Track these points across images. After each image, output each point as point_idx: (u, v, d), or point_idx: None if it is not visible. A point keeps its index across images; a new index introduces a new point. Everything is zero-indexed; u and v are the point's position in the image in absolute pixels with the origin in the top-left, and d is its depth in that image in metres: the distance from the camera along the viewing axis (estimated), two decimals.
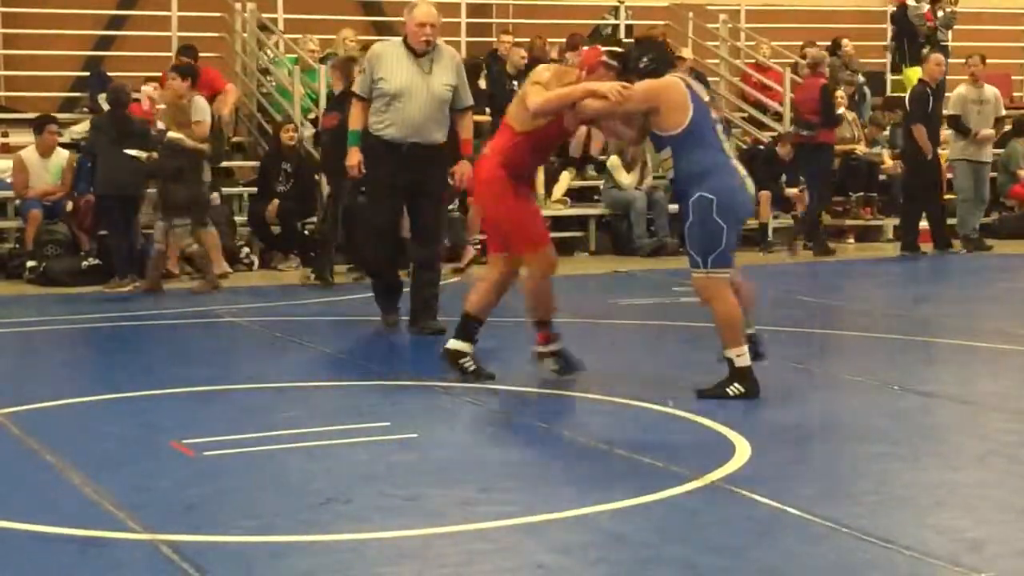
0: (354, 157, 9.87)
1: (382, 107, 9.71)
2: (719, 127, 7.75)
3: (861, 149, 17.62)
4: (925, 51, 18.19)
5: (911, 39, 19.26)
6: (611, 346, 10.00)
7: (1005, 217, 17.81)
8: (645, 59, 7.75)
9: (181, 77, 12.96)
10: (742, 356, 7.60)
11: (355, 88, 10.13)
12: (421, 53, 9.73)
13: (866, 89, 19.16)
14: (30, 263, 13.67)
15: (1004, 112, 16.87)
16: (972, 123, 16.04)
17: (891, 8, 21.19)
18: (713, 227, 7.49)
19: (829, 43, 19.19)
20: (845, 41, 19.20)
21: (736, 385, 7.57)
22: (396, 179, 9.75)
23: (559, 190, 16.38)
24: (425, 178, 9.79)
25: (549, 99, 7.74)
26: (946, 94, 16.60)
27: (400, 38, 9.99)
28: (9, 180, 14.50)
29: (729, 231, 7.52)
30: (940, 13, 19.64)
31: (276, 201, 14.47)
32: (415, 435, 6.80)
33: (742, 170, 7.76)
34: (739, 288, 7.80)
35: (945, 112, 16.12)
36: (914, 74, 17.21)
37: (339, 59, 14.15)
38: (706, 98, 7.75)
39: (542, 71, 8.07)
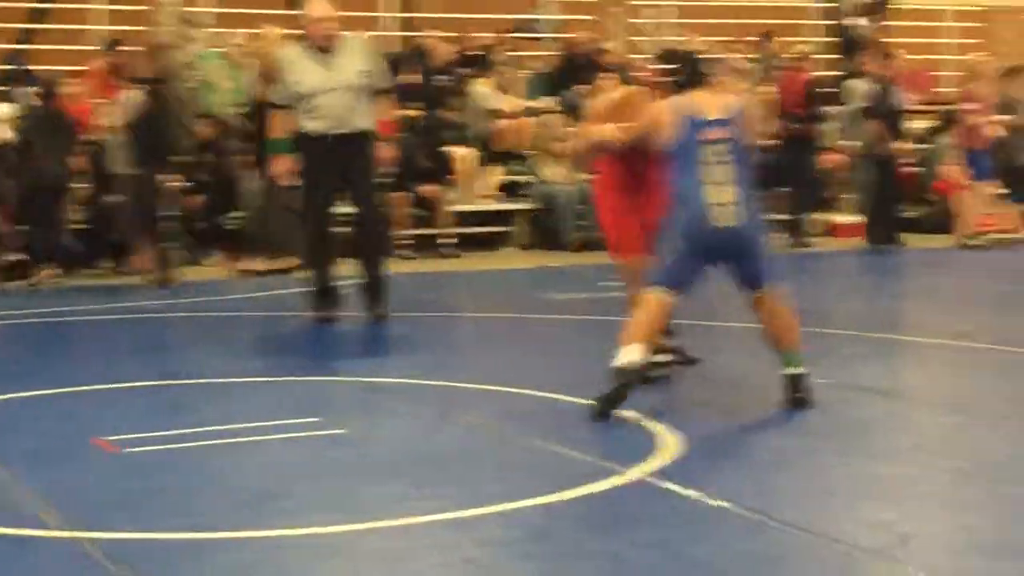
0: (282, 165, 10.28)
1: (304, 106, 10.00)
2: (717, 149, 7.18)
3: None
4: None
5: (851, 51, 19.33)
6: (539, 341, 10.00)
7: (931, 211, 17.93)
8: (673, 76, 7.54)
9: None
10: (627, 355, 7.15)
11: (272, 98, 10.43)
12: (325, 48, 10.02)
13: None
14: None
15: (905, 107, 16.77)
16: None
17: (814, 3, 21.36)
18: (672, 245, 7.28)
19: (758, 37, 19.29)
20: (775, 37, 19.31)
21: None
22: (324, 171, 9.97)
23: (487, 184, 16.36)
24: (355, 167, 10.01)
25: (577, 148, 8.33)
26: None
27: (302, 38, 10.40)
28: None
29: (686, 256, 7.20)
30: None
31: (199, 197, 14.34)
32: (345, 431, 6.77)
33: (715, 197, 7.13)
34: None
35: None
36: (857, 85, 17.29)
37: (151, 45, 14.09)
38: (725, 115, 7.25)
39: (600, 103, 8.29)
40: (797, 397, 7.30)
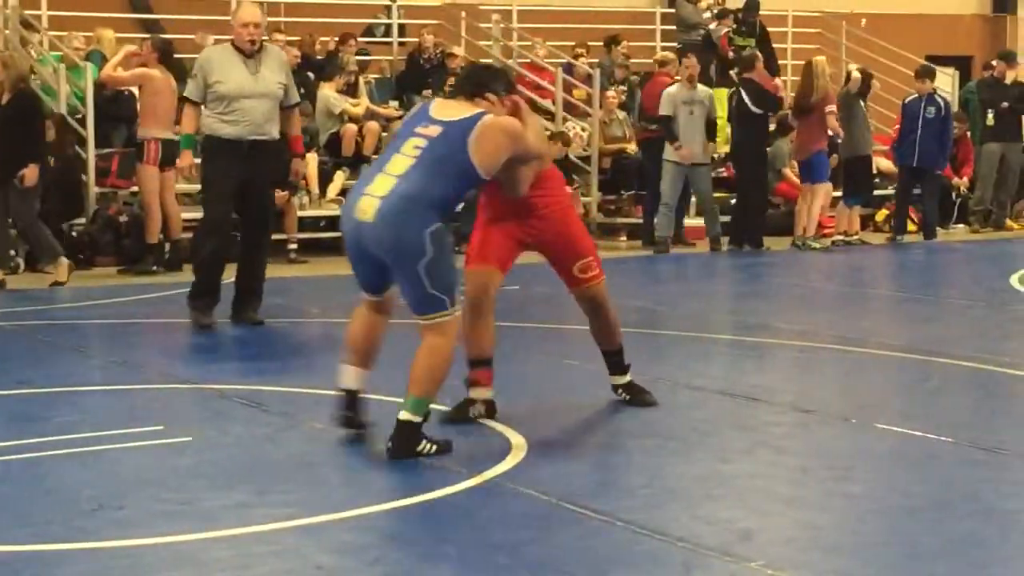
0: (186, 159, 10.47)
1: (221, 109, 10.00)
2: (405, 142, 6.47)
3: (632, 148, 17.89)
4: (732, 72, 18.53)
5: (720, 62, 19.50)
6: (389, 346, 9.97)
7: (772, 215, 18.21)
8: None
9: None
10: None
11: (187, 93, 10.33)
12: (249, 54, 10.03)
13: (637, 89, 19.44)
14: None
15: (718, 114, 16.82)
16: (682, 124, 15.99)
17: (660, 10, 21.61)
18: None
19: (602, 43, 19.46)
20: (623, 42, 19.48)
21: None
22: (233, 175, 9.99)
23: (333, 189, 16.29)
24: (262, 172, 10.15)
25: None
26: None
27: (228, 41, 10.31)
28: None
29: (348, 256, 6.56)
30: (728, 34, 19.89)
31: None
32: (189, 439, 6.71)
33: (375, 189, 6.33)
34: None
35: (660, 113, 16.21)
36: (722, 94, 17.46)
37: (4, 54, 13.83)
38: (447, 119, 6.48)
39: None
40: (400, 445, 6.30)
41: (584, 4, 21.31)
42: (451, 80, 17.49)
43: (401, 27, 19.89)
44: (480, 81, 6.80)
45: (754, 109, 16.20)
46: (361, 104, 16.77)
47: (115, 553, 5.07)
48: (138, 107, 14.35)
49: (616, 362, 7.66)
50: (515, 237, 7.27)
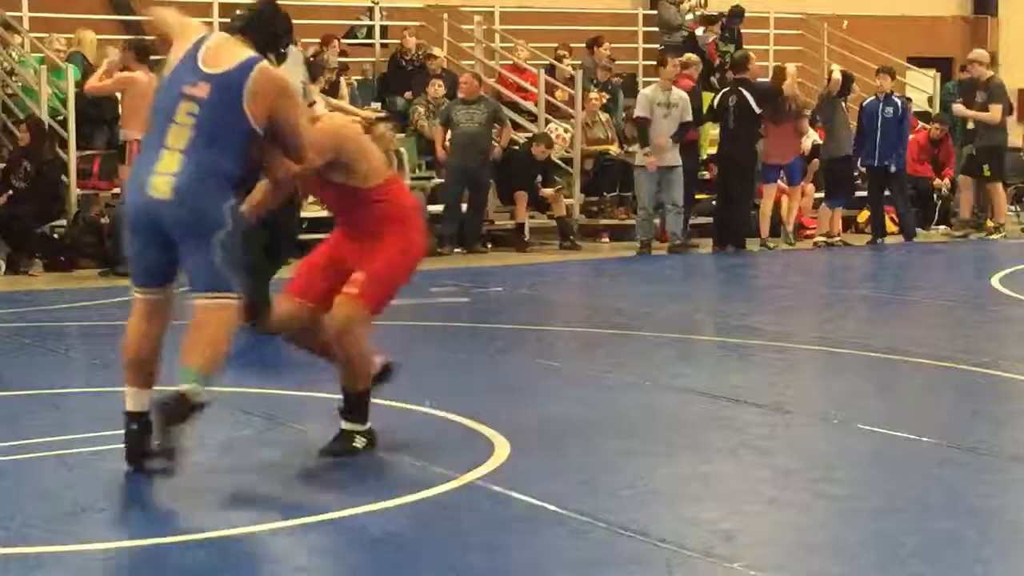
0: None
1: None
2: (176, 107, 5.85)
3: (614, 149, 17.90)
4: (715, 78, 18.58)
5: (706, 67, 19.53)
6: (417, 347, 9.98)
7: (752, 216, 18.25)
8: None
9: None
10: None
11: None
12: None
13: (619, 90, 19.46)
14: None
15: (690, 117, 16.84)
16: (657, 126, 16.00)
17: (642, 11, 21.63)
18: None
19: (584, 45, 19.46)
20: (605, 43, 19.49)
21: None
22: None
23: None
24: None
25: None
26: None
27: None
28: None
29: (129, 241, 6.01)
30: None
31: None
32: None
33: (165, 166, 5.81)
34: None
35: (636, 114, 16.24)
36: (708, 97, 17.45)
37: None
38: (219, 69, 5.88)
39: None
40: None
41: (566, 6, 21.31)
42: (433, 83, 17.53)
43: (383, 29, 19.88)
44: (273, 30, 6.20)
45: (756, 108, 16.26)
46: (343, 106, 16.77)
47: (95, 555, 5.07)
48: (120, 109, 14.33)
49: (355, 405, 6.48)
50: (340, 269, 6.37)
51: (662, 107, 15.88)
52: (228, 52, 5.88)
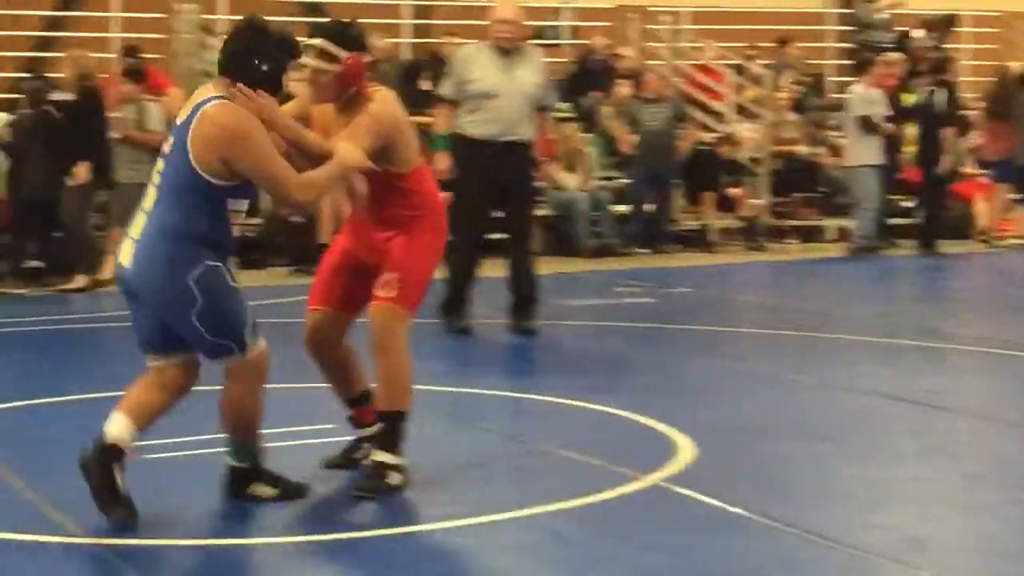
0: (442, 161, 9.99)
1: (474, 107, 9.77)
2: (156, 167, 5.37)
3: (803, 150, 17.71)
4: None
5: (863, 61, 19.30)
6: (555, 347, 10.01)
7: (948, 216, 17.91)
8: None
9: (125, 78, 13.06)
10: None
11: (441, 91, 10.16)
12: (505, 52, 9.84)
13: (808, 90, 19.25)
14: None
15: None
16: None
17: (831, 10, 21.36)
18: None
19: (773, 45, 19.29)
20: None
21: None
22: (484, 178, 9.75)
23: None
24: (515, 175, 9.82)
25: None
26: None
27: (486, 41, 10.12)
28: None
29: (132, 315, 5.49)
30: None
31: None
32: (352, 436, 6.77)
33: (133, 229, 5.32)
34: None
35: (857, 114, 16.01)
36: (910, 97, 17.25)
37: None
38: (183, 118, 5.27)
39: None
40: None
41: (755, 5, 21.11)
42: (620, 83, 17.51)
43: (571, 30, 19.90)
44: (248, 55, 5.28)
45: (956, 109, 16.08)
46: None
47: (284, 549, 5.16)
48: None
49: (389, 431, 5.87)
50: (362, 275, 5.92)
51: (871, 105, 15.79)
52: (192, 100, 5.26)
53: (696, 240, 16.56)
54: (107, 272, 12.91)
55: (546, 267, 15.00)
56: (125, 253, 5.26)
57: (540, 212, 16.43)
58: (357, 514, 5.56)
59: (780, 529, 5.28)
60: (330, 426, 6.59)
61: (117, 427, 5.36)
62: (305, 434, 6.73)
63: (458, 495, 5.80)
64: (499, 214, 10.18)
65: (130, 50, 15.25)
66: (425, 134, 15.38)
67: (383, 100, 5.75)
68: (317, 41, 5.65)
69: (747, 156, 17.37)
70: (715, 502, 5.62)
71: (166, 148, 5.25)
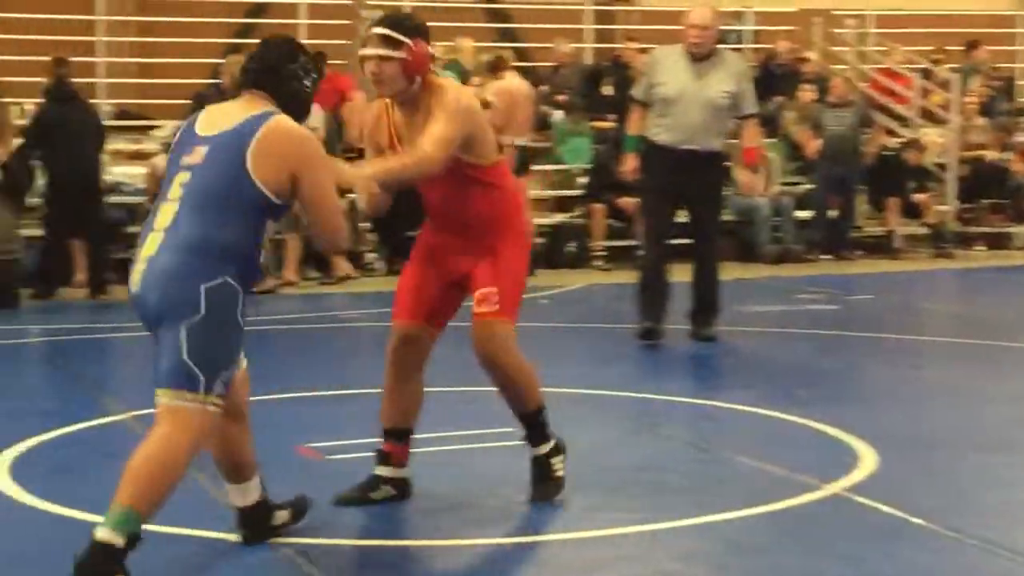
0: (630, 163, 9.95)
1: (660, 111, 9.66)
2: (171, 184, 4.83)
3: (992, 155, 17.38)
4: None
5: None
6: (737, 354, 9.97)
7: None
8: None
9: None
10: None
11: (633, 93, 10.05)
12: (698, 57, 9.67)
13: (998, 94, 18.89)
14: None
15: None
16: None
17: (1022, 13, 20.94)
18: None
19: (961, 48, 18.96)
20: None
21: None
22: (669, 184, 9.63)
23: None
24: (698, 185, 9.63)
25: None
26: None
27: (680, 44, 9.93)
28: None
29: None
30: None
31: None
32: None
33: (144, 251, 4.75)
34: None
35: None
36: None
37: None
38: (216, 132, 4.81)
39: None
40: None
41: (942, 7, 20.77)
42: (803, 87, 17.35)
43: (754, 34, 19.78)
44: (269, 64, 4.96)
45: None
46: None
47: (466, 551, 5.21)
48: (490, 115, 14.63)
49: (534, 427, 5.84)
50: (446, 278, 5.72)
51: None
52: (230, 112, 4.85)
53: (880, 246, 16.35)
54: (291, 274, 13.23)
55: (727, 273, 14.92)
56: (135, 277, 4.72)
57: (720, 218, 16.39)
58: (532, 517, 5.58)
59: (963, 541, 5.19)
60: (510, 429, 6.64)
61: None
62: (487, 437, 6.78)
63: (635, 500, 5.80)
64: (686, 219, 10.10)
65: (316, 56, 15.42)
66: (605, 138, 15.50)
67: (457, 88, 5.58)
68: (379, 29, 5.47)
69: (933, 161, 17.10)
70: (897, 512, 5.54)
71: (192, 159, 4.75)
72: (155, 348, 4.74)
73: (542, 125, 16.79)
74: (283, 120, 4.78)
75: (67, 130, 12.21)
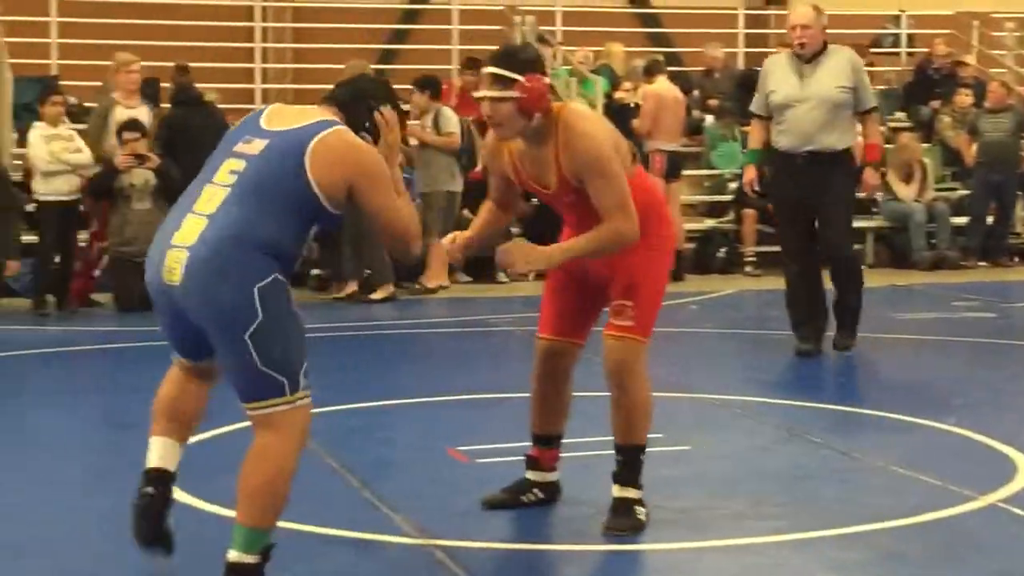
0: (748, 174, 9.88)
1: (777, 119, 9.46)
2: (220, 166, 4.69)
3: None
4: None
5: None
6: (890, 361, 9.83)
7: None
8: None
9: (420, 90, 13.48)
10: None
11: (752, 106, 9.83)
12: (804, 58, 9.39)
13: None
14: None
15: None
16: None
17: None
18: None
19: None
20: None
21: None
22: (795, 190, 9.39)
23: None
24: (822, 187, 9.29)
25: None
26: None
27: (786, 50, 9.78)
28: None
29: (160, 322, 4.76)
30: None
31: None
32: (687, 447, 6.78)
33: (182, 236, 4.54)
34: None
35: None
36: None
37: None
38: (279, 128, 4.67)
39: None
40: None
41: None
42: (960, 91, 17.08)
43: (910, 37, 19.51)
44: (354, 89, 4.96)
45: None
46: None
47: (610, 557, 5.20)
48: (638, 121, 14.57)
49: (630, 464, 5.59)
50: (587, 291, 5.61)
51: None
52: (299, 113, 4.77)
53: None
54: (434, 280, 13.29)
55: (881, 279, 14.78)
56: (172, 267, 4.50)
57: (874, 223, 16.22)
58: (680, 524, 5.55)
59: None
60: (660, 435, 6.62)
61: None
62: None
63: (786, 507, 5.74)
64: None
65: (470, 61, 15.48)
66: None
67: (579, 114, 5.33)
68: (489, 68, 5.26)
69: None
70: None
71: (248, 148, 4.62)
72: (177, 333, 4.68)
73: (694, 130, 16.73)
74: (345, 132, 4.68)
75: (189, 135, 12.41)
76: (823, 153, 9.28)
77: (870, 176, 9.73)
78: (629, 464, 5.52)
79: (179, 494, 5.07)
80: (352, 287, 13.01)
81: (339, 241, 12.87)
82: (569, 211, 5.49)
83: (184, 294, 4.49)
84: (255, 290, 4.45)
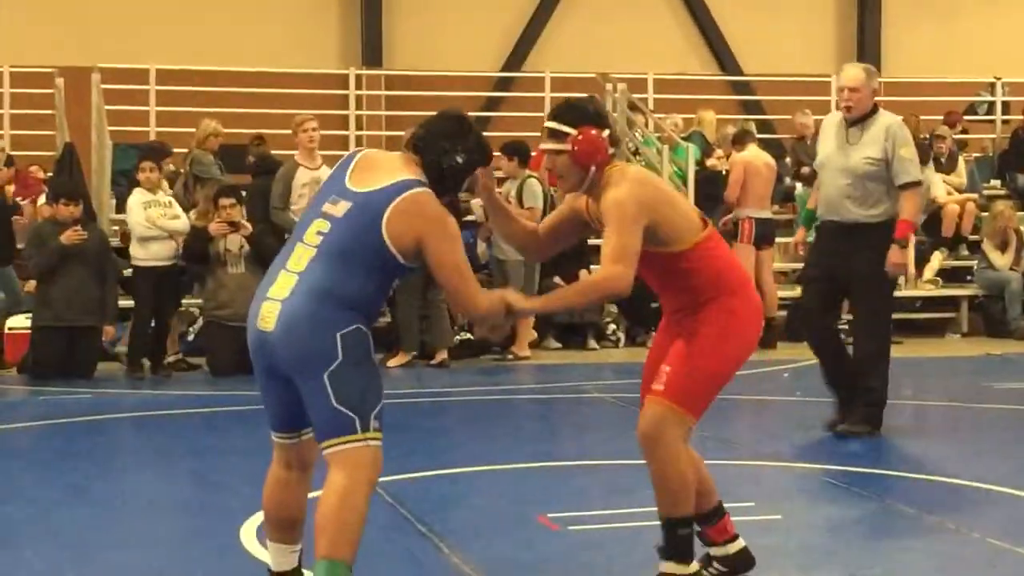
0: (797, 235, 9.81)
1: (819, 182, 9.17)
2: (309, 226, 4.97)
3: None
4: None
5: None
6: (986, 432, 9.71)
7: None
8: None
9: (508, 156, 13.34)
10: None
11: (815, 164, 9.50)
12: (850, 121, 8.85)
13: None
14: None
15: None
16: None
17: None
18: None
19: None
20: None
21: None
22: (823, 259, 9.06)
23: (930, 270, 16.04)
24: (852, 261, 8.78)
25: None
26: None
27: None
28: None
29: (261, 387, 5.07)
30: None
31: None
32: (778, 516, 6.72)
33: (276, 291, 4.89)
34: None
35: None
36: None
37: None
38: (366, 188, 4.93)
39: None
40: None
41: None
42: None
43: (1005, 104, 19.38)
44: (429, 133, 5.06)
45: None
46: (954, 182, 16.53)
47: None
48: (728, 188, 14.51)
49: (669, 539, 5.35)
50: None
51: None
52: (384, 169, 4.99)
53: None
54: (524, 350, 13.28)
55: (976, 348, 14.63)
56: (267, 316, 4.85)
57: (969, 292, 16.06)
58: None
59: None
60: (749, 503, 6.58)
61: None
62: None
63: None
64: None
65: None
66: None
67: (621, 178, 5.18)
68: (547, 123, 5.30)
69: None
70: None
71: (334, 210, 4.91)
72: (272, 393, 4.96)
73: (786, 197, 16.67)
74: (422, 193, 4.90)
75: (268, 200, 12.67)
76: (848, 225, 8.83)
77: (894, 254, 8.72)
78: (667, 538, 5.30)
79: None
80: (406, 357, 12.97)
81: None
82: (646, 275, 5.35)
83: (275, 341, 4.83)
84: (338, 336, 4.80)
